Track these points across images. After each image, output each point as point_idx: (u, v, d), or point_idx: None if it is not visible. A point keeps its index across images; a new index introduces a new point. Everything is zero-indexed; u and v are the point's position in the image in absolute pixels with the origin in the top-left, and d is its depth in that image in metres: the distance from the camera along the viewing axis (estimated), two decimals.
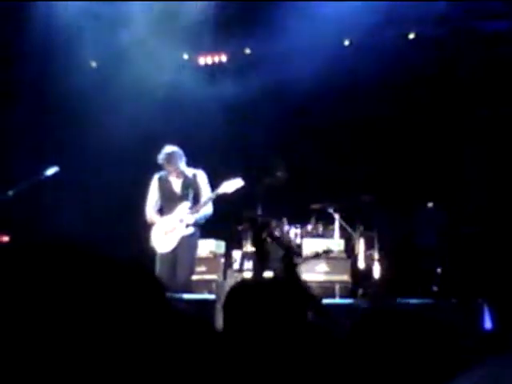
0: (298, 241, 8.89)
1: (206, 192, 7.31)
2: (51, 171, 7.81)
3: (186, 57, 10.23)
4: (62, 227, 9.21)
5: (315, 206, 9.18)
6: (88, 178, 9.69)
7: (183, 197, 7.24)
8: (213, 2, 9.35)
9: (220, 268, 8.83)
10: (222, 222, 9.02)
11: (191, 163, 7.49)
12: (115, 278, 0.83)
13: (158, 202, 7.40)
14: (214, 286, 8.59)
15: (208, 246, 8.90)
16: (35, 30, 9.53)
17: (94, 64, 10.28)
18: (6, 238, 8.32)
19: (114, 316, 0.78)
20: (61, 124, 9.57)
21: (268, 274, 8.52)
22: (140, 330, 0.78)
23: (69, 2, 9.38)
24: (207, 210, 7.32)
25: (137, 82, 9.29)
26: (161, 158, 7.20)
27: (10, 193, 7.67)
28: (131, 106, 9.42)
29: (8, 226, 8.29)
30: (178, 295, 6.51)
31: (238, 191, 7.45)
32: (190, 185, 7.27)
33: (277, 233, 9.01)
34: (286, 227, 9.00)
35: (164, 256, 7.18)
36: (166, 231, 7.19)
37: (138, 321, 0.79)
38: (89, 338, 0.76)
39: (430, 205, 9.09)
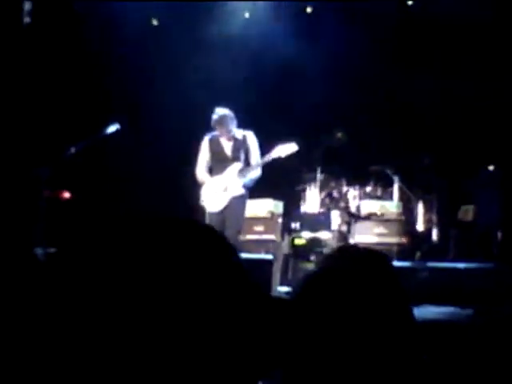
0: (356, 202, 8.84)
1: (255, 153, 7.28)
2: (112, 129, 7.79)
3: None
4: (121, 185, 9.32)
5: (374, 168, 9.10)
6: (147, 135, 9.69)
7: (234, 158, 7.23)
8: None
9: (278, 228, 8.83)
10: (281, 183, 9.00)
11: (243, 124, 7.40)
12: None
13: (209, 163, 7.40)
14: (271, 246, 8.60)
15: (266, 206, 8.90)
16: None
17: None
18: (67, 195, 8.45)
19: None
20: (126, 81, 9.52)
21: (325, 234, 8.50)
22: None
23: None
24: (257, 172, 7.30)
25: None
26: (213, 119, 7.18)
27: (73, 150, 7.72)
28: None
29: (69, 183, 8.42)
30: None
31: (295, 152, 7.37)
32: (240, 146, 7.26)
33: (336, 194, 8.98)
34: (345, 188, 8.96)
35: (213, 215, 7.20)
36: (217, 191, 7.20)
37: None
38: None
39: (491, 167, 8.92)
